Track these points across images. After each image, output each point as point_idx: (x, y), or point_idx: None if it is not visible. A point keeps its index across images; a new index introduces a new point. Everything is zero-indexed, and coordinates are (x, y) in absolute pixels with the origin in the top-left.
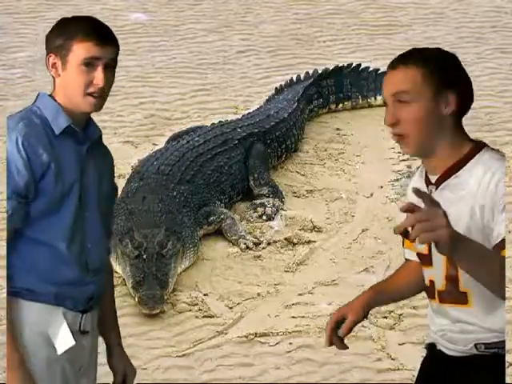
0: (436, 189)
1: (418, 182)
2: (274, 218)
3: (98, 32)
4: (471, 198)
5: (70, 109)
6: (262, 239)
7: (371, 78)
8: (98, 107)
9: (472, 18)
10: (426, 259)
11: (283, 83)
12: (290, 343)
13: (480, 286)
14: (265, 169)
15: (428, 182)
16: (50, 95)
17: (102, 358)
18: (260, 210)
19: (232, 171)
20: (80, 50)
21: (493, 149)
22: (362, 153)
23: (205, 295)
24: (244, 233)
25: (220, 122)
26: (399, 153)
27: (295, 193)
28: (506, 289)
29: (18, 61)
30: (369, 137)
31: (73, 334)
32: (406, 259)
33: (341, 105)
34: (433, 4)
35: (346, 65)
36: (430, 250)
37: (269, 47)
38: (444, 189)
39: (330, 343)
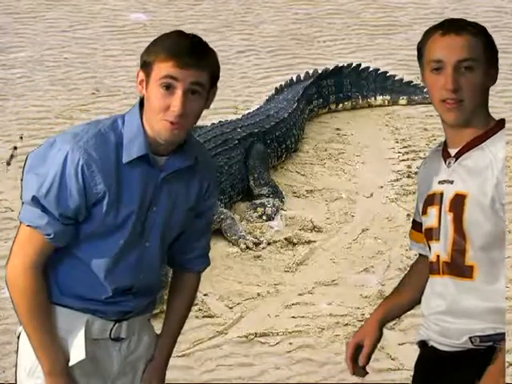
0: (455, 161)
1: (433, 158)
2: (273, 218)
3: (182, 51)
4: (495, 170)
5: (152, 135)
6: (262, 239)
7: (371, 77)
8: (177, 137)
9: (472, 18)
10: (435, 233)
11: (283, 83)
12: (290, 343)
13: (486, 262)
14: (265, 169)
15: (447, 156)
16: (142, 108)
17: None
18: (260, 210)
19: (232, 171)
20: (159, 70)
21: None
22: (362, 153)
23: (205, 295)
24: (244, 233)
25: (220, 121)
26: (399, 153)
27: (295, 193)
28: (506, 289)
29: (18, 61)
30: (369, 137)
31: (98, 342)
32: (419, 255)
33: (341, 105)
34: (433, 4)
35: (346, 65)
36: (439, 221)
37: (269, 47)
38: (465, 159)
39: (355, 373)
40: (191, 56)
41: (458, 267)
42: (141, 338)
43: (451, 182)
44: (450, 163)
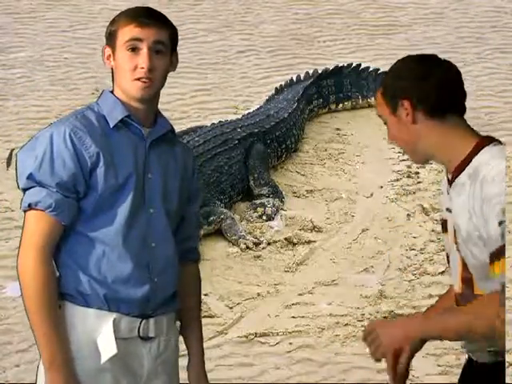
0: (450, 188)
1: (444, 182)
2: (273, 218)
3: (140, 14)
4: (468, 200)
5: (127, 101)
6: (262, 239)
7: (371, 78)
8: (148, 93)
9: (472, 17)
10: (447, 261)
11: (283, 83)
12: (290, 343)
13: (492, 289)
14: (265, 169)
15: (449, 181)
16: (112, 91)
17: None
18: (260, 210)
19: (232, 171)
20: (123, 35)
21: (496, 142)
22: (362, 153)
23: (205, 295)
24: (244, 233)
25: (220, 121)
26: (399, 153)
27: (295, 193)
28: (506, 289)
29: (18, 61)
30: (369, 137)
31: (127, 342)
32: None
33: (341, 105)
34: (433, 4)
35: (346, 65)
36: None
37: (269, 47)
38: (453, 189)
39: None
40: (150, 17)
41: (468, 298)
42: (169, 338)
43: (450, 211)
44: (448, 190)
